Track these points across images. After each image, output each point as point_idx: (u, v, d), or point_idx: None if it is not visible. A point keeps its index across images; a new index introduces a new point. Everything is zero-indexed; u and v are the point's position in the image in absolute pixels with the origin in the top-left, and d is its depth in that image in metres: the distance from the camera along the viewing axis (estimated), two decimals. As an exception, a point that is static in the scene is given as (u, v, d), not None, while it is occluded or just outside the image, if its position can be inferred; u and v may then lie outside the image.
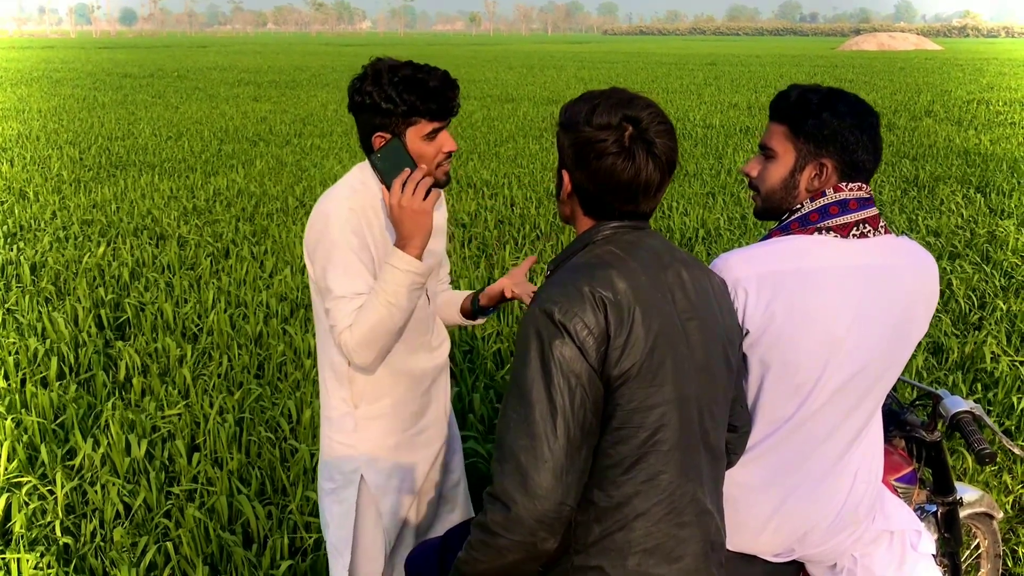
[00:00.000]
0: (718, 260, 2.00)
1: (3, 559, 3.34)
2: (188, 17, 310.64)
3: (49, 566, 3.32)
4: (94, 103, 21.20)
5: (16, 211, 8.71)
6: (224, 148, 13.57)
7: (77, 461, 3.94)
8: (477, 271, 6.68)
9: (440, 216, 2.54)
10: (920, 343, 5.32)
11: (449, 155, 2.26)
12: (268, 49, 66.64)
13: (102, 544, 3.46)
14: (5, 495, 3.65)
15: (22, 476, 3.84)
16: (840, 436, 2.04)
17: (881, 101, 21.73)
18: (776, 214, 2.09)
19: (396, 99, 2.14)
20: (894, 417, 2.73)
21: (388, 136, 2.20)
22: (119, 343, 5.31)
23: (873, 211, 2.01)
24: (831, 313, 1.93)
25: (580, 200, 1.78)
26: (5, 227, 8.03)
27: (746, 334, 1.96)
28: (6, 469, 3.90)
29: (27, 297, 5.99)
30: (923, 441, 2.68)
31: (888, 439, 2.70)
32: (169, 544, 3.32)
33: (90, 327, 5.52)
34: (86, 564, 3.35)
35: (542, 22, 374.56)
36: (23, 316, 5.69)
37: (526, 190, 10.08)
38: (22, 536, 3.47)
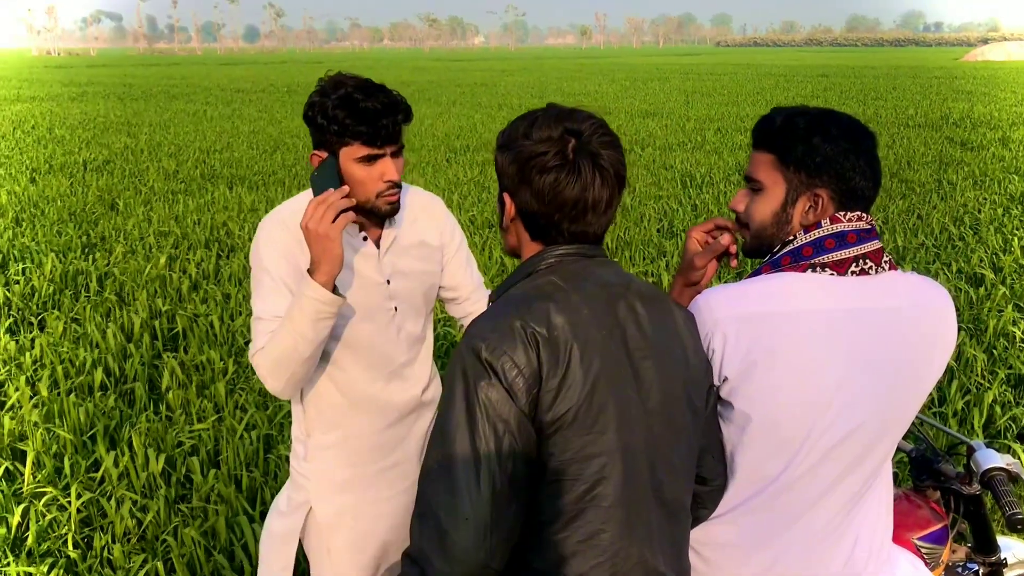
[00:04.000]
0: (699, 297, 1.80)
1: (16, 571, 3.36)
2: (307, 34, 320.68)
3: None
4: (202, 117, 21.98)
5: (101, 223, 9.01)
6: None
7: (99, 474, 3.97)
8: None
9: (435, 237, 2.36)
10: (999, 375, 4.92)
11: (393, 185, 2.10)
12: (379, 64, 68.12)
13: (109, 558, 3.45)
14: (23, 505, 3.69)
15: (46, 488, 3.87)
16: (836, 497, 1.80)
17: (997, 113, 20.64)
18: (767, 251, 1.88)
19: (329, 116, 2.02)
20: (927, 465, 2.46)
21: (324, 155, 2.08)
22: (167, 355, 5.37)
23: (875, 244, 1.77)
24: (820, 363, 1.71)
25: (525, 224, 1.63)
26: (86, 237, 8.31)
27: (724, 381, 1.76)
28: (34, 478, 3.95)
29: (89, 307, 6.14)
30: (960, 493, 2.41)
31: (920, 489, 2.45)
32: (160, 564, 3.28)
33: (143, 338, 5.60)
34: (91, 579, 3.35)
35: (654, 34, 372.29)
36: (80, 327, 5.82)
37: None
38: (34, 548, 3.50)
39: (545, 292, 1.54)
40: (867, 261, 1.75)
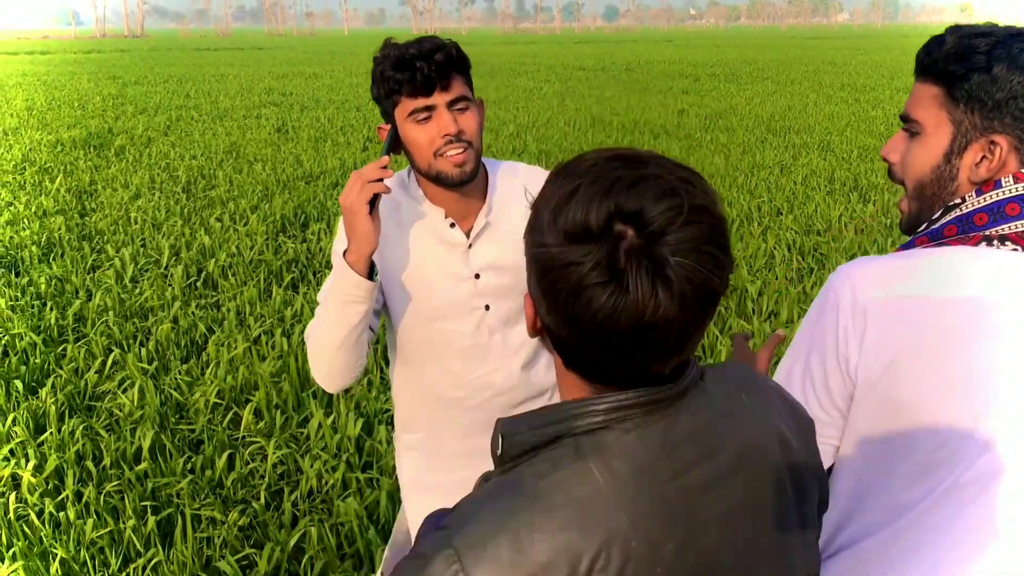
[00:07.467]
0: (838, 271, 1.39)
1: (205, 515, 3.56)
2: (664, 13, 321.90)
3: (246, 526, 3.48)
4: (535, 94, 22.66)
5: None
6: (622, 140, 13.70)
7: (306, 430, 4.13)
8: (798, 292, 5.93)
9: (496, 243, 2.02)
10: None
11: (453, 140, 1.81)
12: (727, 43, 66.65)
13: (293, 512, 3.56)
14: (227, 452, 3.92)
15: (257, 438, 4.08)
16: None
17: None
18: (928, 219, 1.42)
19: (377, 78, 1.83)
20: None
21: (388, 126, 1.89)
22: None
23: None
24: (990, 369, 1.25)
25: (555, 345, 1.00)
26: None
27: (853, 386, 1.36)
28: (248, 426, 4.18)
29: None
30: None
31: None
32: (314, 530, 3.31)
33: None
34: (270, 531, 3.47)
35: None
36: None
37: (920, 198, 8.82)
38: (229, 495, 3.69)
39: (570, 498, 0.92)
40: None
